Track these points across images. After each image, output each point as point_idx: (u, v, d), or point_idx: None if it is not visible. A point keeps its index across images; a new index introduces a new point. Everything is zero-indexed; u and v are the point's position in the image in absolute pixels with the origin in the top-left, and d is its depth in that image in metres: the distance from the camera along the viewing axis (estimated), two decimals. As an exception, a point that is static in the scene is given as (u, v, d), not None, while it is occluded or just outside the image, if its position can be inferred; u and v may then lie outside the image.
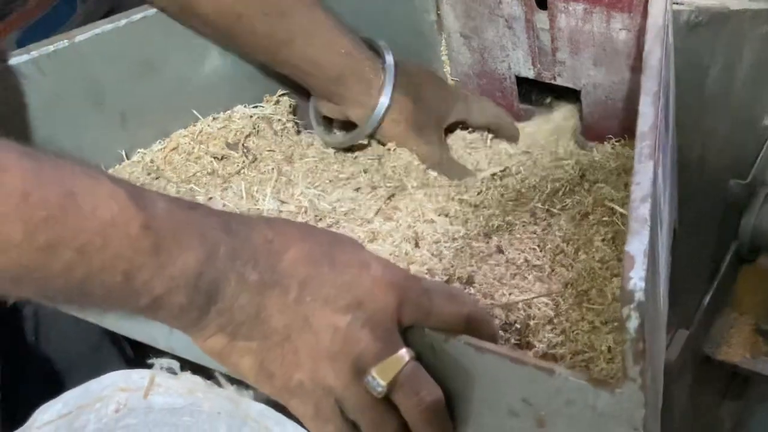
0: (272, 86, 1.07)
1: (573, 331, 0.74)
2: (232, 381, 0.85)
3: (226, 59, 1.03)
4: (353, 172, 1.00)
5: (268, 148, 1.02)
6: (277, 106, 1.06)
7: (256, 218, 0.65)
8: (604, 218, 0.85)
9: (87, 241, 0.54)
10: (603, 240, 0.82)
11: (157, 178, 0.96)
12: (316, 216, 0.91)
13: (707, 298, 1.03)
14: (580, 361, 0.71)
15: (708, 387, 1.13)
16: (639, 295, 0.53)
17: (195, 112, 1.02)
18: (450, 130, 1.06)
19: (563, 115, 1.07)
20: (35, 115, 0.90)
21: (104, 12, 1.35)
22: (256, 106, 1.06)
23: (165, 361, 0.85)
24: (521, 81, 1.06)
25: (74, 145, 0.91)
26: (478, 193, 0.94)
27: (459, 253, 0.85)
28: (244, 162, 0.99)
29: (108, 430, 0.84)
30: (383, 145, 1.02)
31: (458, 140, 1.06)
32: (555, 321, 0.75)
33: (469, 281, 0.81)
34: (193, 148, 1.00)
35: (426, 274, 0.82)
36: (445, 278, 0.81)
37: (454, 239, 0.87)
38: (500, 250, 0.85)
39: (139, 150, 0.99)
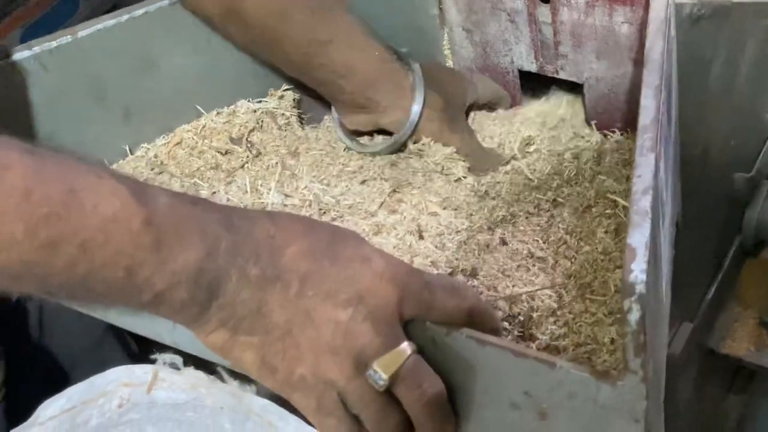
0: (276, 81, 1.07)
1: (576, 323, 0.74)
2: (235, 376, 0.86)
3: (229, 54, 1.03)
4: (359, 165, 1.00)
5: (273, 143, 1.02)
6: (282, 100, 1.06)
7: (257, 213, 0.65)
8: (607, 210, 0.85)
9: (89, 237, 0.55)
10: (606, 232, 0.82)
11: (160, 173, 0.96)
12: (320, 209, 0.91)
13: (711, 292, 1.03)
14: (583, 353, 0.71)
15: (712, 380, 1.13)
16: (640, 288, 0.53)
17: (198, 107, 1.02)
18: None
19: (566, 106, 1.07)
20: (38, 110, 0.90)
21: (107, 9, 1.35)
22: (260, 101, 1.06)
23: (168, 357, 0.85)
24: (524, 75, 1.06)
25: (77, 140, 0.92)
26: (482, 185, 0.94)
27: (462, 246, 0.85)
28: (248, 156, 0.99)
29: (111, 425, 0.85)
30: (416, 143, 1.02)
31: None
32: (558, 313, 0.75)
33: (473, 273, 0.81)
34: (197, 142, 1.00)
35: (430, 266, 0.82)
36: (449, 270, 0.82)
37: (457, 231, 0.87)
38: (504, 242, 0.85)
39: (142, 145, 1.00)
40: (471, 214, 0.90)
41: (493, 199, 0.92)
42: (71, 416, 0.83)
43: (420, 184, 0.96)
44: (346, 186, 0.96)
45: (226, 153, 0.99)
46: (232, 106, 1.04)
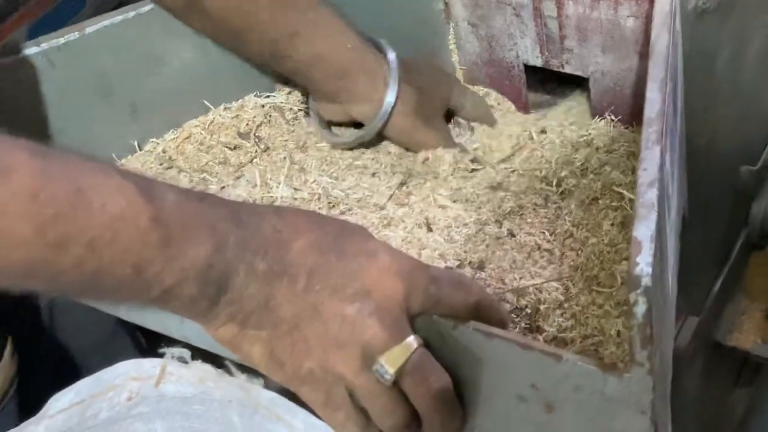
0: (284, 75, 1.06)
1: (583, 315, 0.74)
2: (243, 369, 0.86)
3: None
4: (368, 159, 1.00)
5: (281, 137, 1.02)
6: (290, 95, 1.06)
7: (264, 208, 0.65)
8: (613, 203, 0.85)
9: (96, 236, 0.55)
10: (612, 224, 0.83)
11: (169, 168, 0.97)
12: (329, 203, 0.91)
13: (718, 285, 1.03)
14: (590, 345, 0.71)
15: (719, 374, 1.14)
16: (646, 281, 0.53)
17: (206, 102, 1.02)
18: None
19: (572, 100, 1.07)
20: (46, 106, 0.90)
21: (113, 6, 1.35)
22: (268, 96, 1.06)
23: (176, 350, 0.85)
24: (529, 69, 1.06)
25: (85, 136, 0.92)
26: (490, 178, 0.94)
27: (471, 238, 0.85)
28: (256, 151, 0.99)
29: (120, 419, 0.85)
30: (391, 141, 1.01)
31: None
32: (565, 305, 0.76)
33: (481, 266, 0.81)
34: (205, 137, 1.00)
35: (438, 258, 0.83)
36: (457, 263, 0.82)
37: (465, 224, 0.87)
38: (512, 234, 0.85)
39: (151, 140, 1.00)
40: (479, 207, 0.90)
41: (503, 191, 0.92)
42: (81, 409, 0.84)
43: (429, 177, 0.96)
44: (355, 180, 0.96)
45: (235, 148, 1.00)
46: (240, 101, 1.04)
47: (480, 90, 1.10)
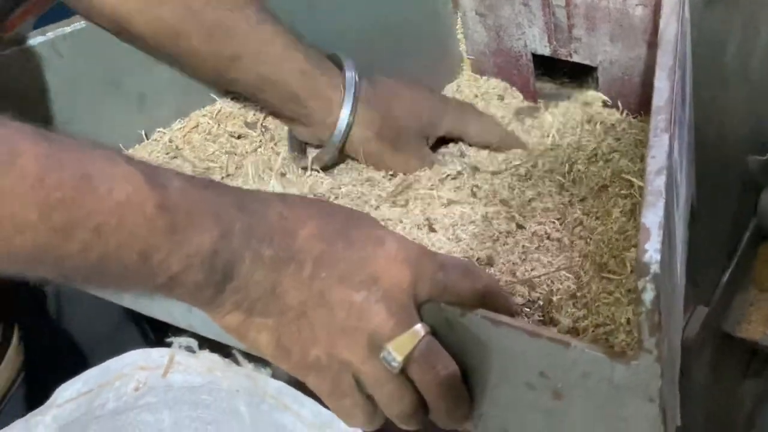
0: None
1: (595, 304, 0.73)
2: (251, 359, 0.86)
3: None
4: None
5: (286, 128, 1.02)
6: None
7: (270, 195, 0.65)
8: (623, 191, 0.85)
9: (102, 221, 0.55)
10: (621, 212, 0.82)
11: (175, 158, 0.96)
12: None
13: (726, 275, 1.03)
14: (602, 334, 0.71)
15: (728, 364, 1.13)
16: (654, 267, 0.53)
17: (212, 95, 1.02)
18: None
19: (580, 90, 1.06)
20: (53, 96, 0.90)
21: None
22: None
23: (183, 340, 0.85)
24: (537, 59, 1.06)
25: (92, 126, 0.92)
26: (496, 172, 0.94)
27: (477, 235, 0.85)
28: (261, 141, 0.99)
29: (128, 408, 0.85)
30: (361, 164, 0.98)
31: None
32: (578, 295, 0.75)
33: (489, 262, 0.81)
34: (212, 127, 1.00)
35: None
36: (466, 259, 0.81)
37: (471, 221, 0.87)
38: (520, 226, 0.85)
39: (158, 130, 1.00)
40: (485, 201, 0.89)
41: (507, 184, 0.92)
42: (88, 399, 0.84)
43: (430, 175, 0.95)
44: (353, 176, 0.96)
45: (240, 137, 0.99)
46: None
47: (487, 80, 1.10)
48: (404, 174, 0.96)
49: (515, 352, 0.61)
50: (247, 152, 0.98)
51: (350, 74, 0.93)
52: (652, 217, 0.56)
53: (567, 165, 0.92)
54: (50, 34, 0.89)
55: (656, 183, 0.59)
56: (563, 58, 1.02)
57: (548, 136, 1.00)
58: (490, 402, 0.65)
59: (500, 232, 0.84)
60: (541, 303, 0.75)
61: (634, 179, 0.85)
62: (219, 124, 1.00)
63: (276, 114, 1.00)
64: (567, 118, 1.02)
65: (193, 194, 0.59)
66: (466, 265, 0.67)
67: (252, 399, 0.83)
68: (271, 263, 0.61)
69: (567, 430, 0.63)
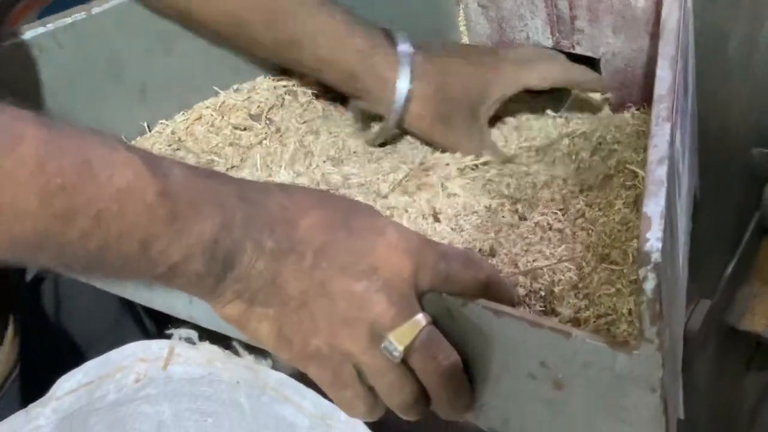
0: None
1: (597, 295, 0.73)
2: (251, 350, 0.86)
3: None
4: (383, 148, 1.00)
5: (293, 120, 1.02)
6: (304, 77, 1.05)
7: (271, 186, 0.65)
8: (627, 182, 0.85)
9: (103, 209, 0.55)
10: (624, 203, 0.82)
11: (178, 149, 0.96)
12: (329, 190, 0.90)
13: (730, 268, 1.03)
14: (603, 324, 0.70)
15: (731, 357, 1.13)
16: (656, 256, 0.53)
17: (215, 87, 1.02)
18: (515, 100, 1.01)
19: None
20: (54, 88, 0.90)
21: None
22: (280, 79, 1.05)
23: (184, 332, 0.85)
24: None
25: (94, 117, 0.92)
26: (500, 162, 0.94)
27: (480, 225, 0.84)
28: (266, 134, 0.99)
29: (128, 400, 0.85)
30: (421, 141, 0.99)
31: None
32: (579, 285, 0.75)
33: (492, 253, 0.81)
34: (216, 119, 1.00)
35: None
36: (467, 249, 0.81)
37: (474, 212, 0.87)
38: (522, 217, 0.84)
39: (161, 121, 1.00)
40: (488, 192, 0.89)
41: (511, 175, 0.91)
42: (89, 391, 0.84)
43: (440, 167, 0.95)
44: (360, 167, 0.96)
45: (245, 129, 0.99)
46: (252, 83, 1.04)
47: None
48: (453, 151, 0.96)
49: (516, 342, 0.61)
50: (252, 144, 0.98)
51: (404, 49, 0.95)
52: (654, 206, 0.56)
53: (572, 155, 0.91)
54: (51, 26, 0.89)
55: (658, 172, 0.59)
56: (566, 50, 1.02)
57: (552, 127, 0.99)
58: (491, 392, 0.65)
59: (503, 223, 0.84)
60: (542, 294, 0.75)
61: (638, 170, 0.85)
62: (222, 116, 1.00)
63: (337, 90, 1.02)
64: (569, 110, 1.02)
65: (194, 183, 0.59)
66: (468, 255, 0.66)
67: (252, 390, 0.83)
68: (271, 253, 0.60)
69: (568, 420, 0.63)
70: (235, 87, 1.03)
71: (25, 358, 1.00)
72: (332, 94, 1.05)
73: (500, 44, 1.08)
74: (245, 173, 0.93)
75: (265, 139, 0.98)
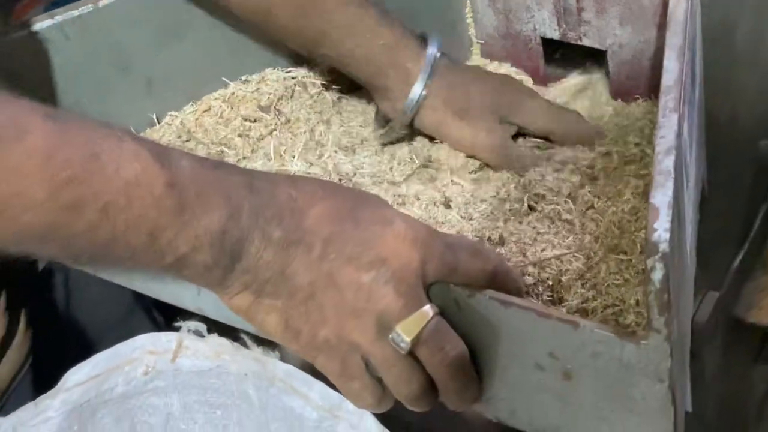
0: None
1: (604, 285, 0.73)
2: (259, 342, 0.86)
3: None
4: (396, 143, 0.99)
5: (303, 111, 1.01)
6: (313, 68, 1.05)
7: (279, 176, 0.65)
8: (637, 172, 0.85)
9: (111, 200, 0.55)
10: (633, 193, 0.82)
11: (187, 141, 0.96)
12: (340, 179, 0.90)
13: (738, 260, 1.02)
14: (611, 315, 0.70)
15: (739, 350, 1.13)
16: (663, 247, 0.53)
17: (225, 78, 1.02)
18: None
19: (589, 74, 1.06)
20: (61, 80, 0.90)
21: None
22: (290, 70, 1.05)
23: (192, 324, 0.86)
24: (546, 42, 1.05)
25: (101, 109, 0.92)
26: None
27: (489, 214, 0.84)
28: (276, 124, 0.99)
29: (137, 393, 0.86)
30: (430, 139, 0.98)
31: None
32: (587, 275, 0.75)
33: (500, 242, 0.81)
34: (225, 110, 0.99)
35: (456, 236, 0.82)
36: (476, 239, 0.81)
37: (483, 200, 0.87)
38: (531, 208, 0.84)
39: (170, 113, 0.99)
40: (498, 181, 0.89)
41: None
42: (98, 383, 0.84)
43: (452, 157, 0.95)
44: (373, 157, 0.96)
45: (255, 121, 0.99)
46: (261, 74, 1.03)
47: (497, 64, 1.10)
48: (471, 148, 0.95)
49: (524, 332, 0.61)
50: (262, 135, 0.97)
51: (432, 50, 0.95)
52: (661, 196, 0.56)
53: (580, 146, 0.91)
54: (58, 18, 0.89)
55: (665, 163, 0.59)
56: (573, 41, 1.02)
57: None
58: (499, 383, 0.65)
59: (512, 212, 0.84)
60: (550, 283, 0.75)
61: (646, 160, 0.85)
62: (232, 108, 1.00)
63: (364, 85, 1.01)
64: (578, 101, 1.02)
65: (202, 174, 0.59)
66: (475, 245, 0.66)
67: (261, 382, 0.84)
68: (280, 244, 0.60)
69: (576, 410, 0.63)
70: (243, 78, 1.02)
71: (37, 350, 1.01)
72: (342, 85, 1.05)
73: (507, 36, 1.07)
74: (258, 164, 0.93)
75: (275, 130, 0.98)
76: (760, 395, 1.19)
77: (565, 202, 0.83)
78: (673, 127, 0.62)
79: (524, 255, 0.78)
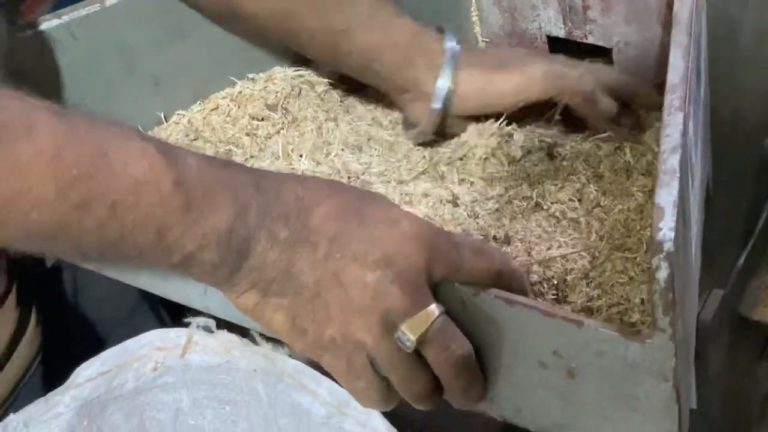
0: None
1: (610, 284, 0.74)
2: (268, 338, 0.86)
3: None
4: (398, 135, 1.00)
5: (310, 110, 1.01)
6: (319, 69, 1.05)
7: (285, 176, 0.65)
8: (642, 171, 0.85)
9: (119, 199, 0.55)
10: (639, 191, 0.82)
11: (195, 140, 0.97)
12: (348, 178, 0.91)
13: (742, 258, 1.02)
14: (616, 314, 0.71)
15: (744, 348, 1.13)
16: (668, 246, 0.53)
17: (232, 77, 1.02)
18: None
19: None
20: (68, 79, 0.90)
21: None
22: (297, 69, 1.05)
23: (201, 320, 0.86)
24: (552, 40, 1.06)
25: (108, 108, 0.92)
26: (517, 149, 0.93)
27: (496, 212, 0.85)
28: (283, 123, 0.99)
29: (146, 389, 0.86)
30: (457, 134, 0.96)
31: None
32: (591, 274, 0.75)
33: (506, 240, 0.81)
34: (232, 109, 1.00)
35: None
36: (481, 238, 0.81)
37: (489, 198, 0.87)
38: (538, 206, 0.85)
39: (177, 112, 1.00)
40: (505, 179, 0.89)
41: (528, 163, 0.91)
42: (107, 379, 0.84)
43: (460, 155, 0.95)
44: (381, 155, 0.96)
45: (262, 119, 0.99)
46: (268, 73, 1.04)
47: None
48: (526, 86, 0.92)
49: (529, 331, 0.61)
50: (270, 134, 0.98)
51: (450, 36, 0.94)
52: (666, 195, 0.56)
53: (586, 143, 0.92)
54: (65, 18, 0.90)
55: (670, 162, 0.59)
56: (578, 39, 1.02)
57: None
58: (503, 381, 0.65)
59: (518, 211, 0.84)
60: (555, 282, 0.75)
61: (651, 159, 0.85)
62: (239, 106, 1.00)
63: (388, 89, 0.99)
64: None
65: (209, 173, 0.60)
66: (481, 244, 0.67)
67: (269, 378, 0.84)
68: (286, 243, 0.61)
69: (580, 409, 0.63)
70: (250, 76, 1.03)
71: (47, 346, 1.01)
72: (349, 84, 1.05)
73: (512, 34, 1.08)
74: (265, 163, 0.93)
75: (283, 128, 0.98)
76: (765, 393, 1.19)
77: (571, 200, 0.84)
78: (678, 125, 0.62)
79: (530, 254, 0.78)
